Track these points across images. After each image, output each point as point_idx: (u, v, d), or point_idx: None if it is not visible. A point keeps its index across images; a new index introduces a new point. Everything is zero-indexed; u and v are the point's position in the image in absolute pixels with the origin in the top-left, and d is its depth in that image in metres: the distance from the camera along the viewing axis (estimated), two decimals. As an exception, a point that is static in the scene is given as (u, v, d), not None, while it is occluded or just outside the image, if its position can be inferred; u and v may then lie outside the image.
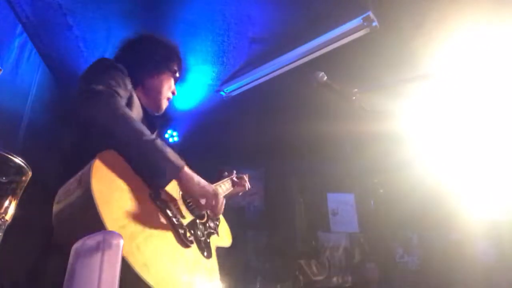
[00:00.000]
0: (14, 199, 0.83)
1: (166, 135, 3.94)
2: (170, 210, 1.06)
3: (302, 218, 4.45)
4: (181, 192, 1.20)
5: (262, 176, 4.69)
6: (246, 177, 1.95)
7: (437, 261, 3.89)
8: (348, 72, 2.64)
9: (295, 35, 2.59)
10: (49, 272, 1.01)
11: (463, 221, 3.70)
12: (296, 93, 3.28)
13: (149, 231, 0.91)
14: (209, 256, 1.14)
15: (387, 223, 4.19)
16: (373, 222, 4.34)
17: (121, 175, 0.96)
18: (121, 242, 0.68)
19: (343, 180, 4.52)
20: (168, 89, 1.53)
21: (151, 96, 1.47)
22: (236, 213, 4.28)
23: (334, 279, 4.07)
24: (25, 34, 2.52)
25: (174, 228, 1.02)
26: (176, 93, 1.58)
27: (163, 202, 1.06)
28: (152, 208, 1.00)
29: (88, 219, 0.80)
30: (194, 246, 1.07)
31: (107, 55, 1.50)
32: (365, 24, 2.37)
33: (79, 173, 0.90)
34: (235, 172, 1.91)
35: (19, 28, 2.44)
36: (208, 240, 1.21)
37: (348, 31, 2.45)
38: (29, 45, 2.61)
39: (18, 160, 0.83)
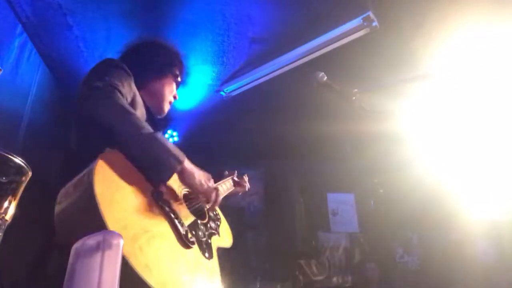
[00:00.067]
0: (14, 199, 0.83)
1: (166, 135, 3.94)
2: (172, 211, 1.06)
3: (302, 218, 4.45)
4: (183, 192, 1.21)
5: (262, 176, 4.69)
6: (245, 178, 1.96)
7: (437, 261, 3.90)
8: (348, 72, 2.64)
9: (295, 35, 2.59)
10: (50, 272, 1.01)
11: (463, 221, 3.70)
12: (296, 93, 3.28)
13: (151, 232, 0.91)
14: (210, 256, 1.13)
15: (387, 223, 4.19)
16: (373, 222, 4.34)
17: (124, 175, 0.96)
18: (121, 242, 0.68)
19: (343, 180, 4.53)
20: (170, 93, 1.56)
21: (154, 99, 1.50)
22: (236, 213, 4.28)
23: (334, 279, 4.07)
24: (25, 34, 2.52)
25: (176, 228, 1.02)
26: (177, 97, 1.62)
27: (165, 202, 1.05)
28: (155, 209, 1.00)
29: (90, 219, 0.80)
30: (195, 247, 1.07)
31: (107, 55, 1.51)
32: (365, 24, 2.37)
33: (81, 174, 0.90)
34: (236, 172, 1.93)
35: (19, 28, 2.44)
36: (209, 241, 1.21)
37: (348, 31, 2.45)
38: (29, 45, 2.60)
39: (18, 160, 0.83)
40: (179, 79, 1.60)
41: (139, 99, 1.34)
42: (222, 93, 3.37)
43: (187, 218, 1.15)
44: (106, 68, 1.27)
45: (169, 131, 3.97)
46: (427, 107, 3.13)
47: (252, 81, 3.13)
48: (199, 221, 1.22)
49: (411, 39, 2.55)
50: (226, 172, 1.87)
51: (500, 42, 2.51)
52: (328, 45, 2.59)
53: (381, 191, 4.39)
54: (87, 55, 2.83)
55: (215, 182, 1.34)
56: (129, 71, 1.31)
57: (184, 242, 1.02)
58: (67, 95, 3.04)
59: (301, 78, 2.22)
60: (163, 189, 1.09)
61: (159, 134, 1.07)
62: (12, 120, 2.44)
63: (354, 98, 1.42)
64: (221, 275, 1.15)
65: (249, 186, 1.97)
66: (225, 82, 3.23)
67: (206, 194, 1.24)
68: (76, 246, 0.66)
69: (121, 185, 0.94)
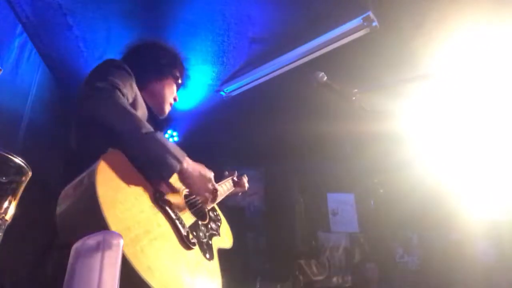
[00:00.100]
0: (14, 199, 0.83)
1: (166, 135, 3.95)
2: (173, 211, 1.06)
3: (302, 218, 4.45)
4: (184, 192, 1.21)
5: (262, 176, 4.69)
6: (245, 178, 1.97)
7: (437, 261, 3.89)
8: (348, 72, 2.64)
9: (295, 35, 2.59)
10: (50, 272, 1.01)
11: (463, 221, 3.70)
12: (296, 93, 3.28)
13: (153, 234, 0.91)
14: (211, 258, 1.13)
15: (387, 223, 4.19)
16: (373, 222, 4.34)
17: (126, 176, 0.96)
18: (121, 242, 0.68)
19: (343, 180, 4.52)
20: (170, 94, 1.57)
21: (154, 100, 1.51)
22: (236, 213, 4.28)
23: (334, 279, 4.07)
24: (25, 34, 2.52)
25: (177, 229, 1.02)
26: (177, 99, 1.63)
27: (167, 203, 1.05)
28: (156, 210, 1.00)
29: (92, 220, 0.80)
30: (196, 248, 1.07)
31: (107, 55, 1.52)
32: (365, 24, 2.37)
33: (83, 174, 0.89)
34: (236, 172, 1.93)
35: (19, 28, 2.44)
36: (210, 242, 1.21)
37: (348, 31, 2.45)
38: (29, 45, 2.60)
39: (18, 160, 0.83)
40: (179, 81, 1.61)
41: (140, 100, 1.34)
42: (222, 93, 3.37)
43: (188, 219, 1.15)
44: (107, 68, 1.27)
45: (169, 131, 3.97)
46: (427, 107, 3.13)
47: (252, 81, 3.13)
48: (200, 222, 1.22)
49: (411, 39, 2.55)
50: (226, 173, 1.87)
51: (500, 42, 2.51)
52: (328, 45, 2.59)
53: (381, 191, 4.38)
54: (87, 55, 2.83)
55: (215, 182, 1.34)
56: (130, 71, 1.32)
57: (186, 243, 1.02)
58: (67, 95, 3.04)
59: (301, 78, 2.22)
60: (164, 189, 1.09)
61: (159, 134, 1.07)
62: (12, 120, 2.44)
63: (354, 98, 1.42)
64: (222, 276, 1.15)
65: (248, 186, 1.98)
66: (225, 82, 3.23)
67: (203, 195, 1.24)
68: (76, 246, 0.66)
69: (123, 185, 0.94)
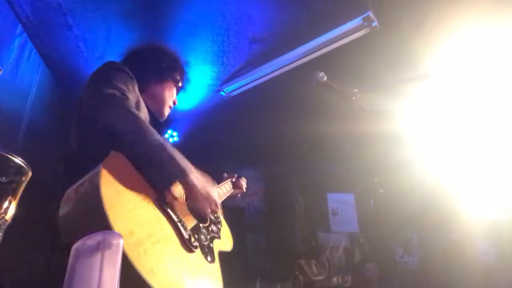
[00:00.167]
0: (14, 199, 0.83)
1: (166, 135, 3.95)
2: (175, 215, 1.06)
3: (302, 218, 4.45)
4: (185, 195, 1.21)
5: (262, 176, 4.69)
6: (243, 180, 1.98)
7: (437, 261, 3.89)
8: (348, 72, 2.63)
9: (295, 35, 2.59)
10: (50, 272, 1.01)
11: (463, 221, 3.70)
12: (296, 93, 3.27)
13: (155, 237, 0.91)
14: (212, 260, 1.14)
15: (387, 223, 4.19)
16: (373, 222, 4.34)
17: (129, 179, 0.96)
18: (121, 242, 0.68)
19: (343, 180, 4.52)
20: (170, 97, 1.57)
21: (154, 103, 1.51)
22: (236, 213, 4.27)
23: (334, 279, 4.07)
24: (25, 34, 2.52)
25: (179, 232, 1.03)
26: (177, 102, 1.63)
27: (169, 206, 1.06)
28: (159, 213, 1.01)
29: (96, 222, 0.80)
30: (198, 251, 1.07)
31: (107, 55, 1.52)
32: (365, 24, 2.37)
33: (87, 177, 0.89)
34: (236, 175, 1.94)
35: (19, 28, 2.44)
36: (211, 245, 1.21)
37: (348, 31, 2.45)
38: (29, 45, 2.60)
39: (18, 160, 0.83)
40: (179, 84, 1.62)
41: (142, 103, 1.35)
42: (222, 93, 3.37)
43: (190, 221, 1.15)
44: (110, 71, 1.27)
45: (169, 131, 3.97)
46: (427, 107, 3.13)
47: (252, 81, 3.13)
48: (201, 225, 1.22)
49: (411, 39, 2.55)
50: (225, 175, 1.88)
51: (500, 42, 2.51)
52: (328, 45, 2.59)
53: (381, 191, 4.38)
54: (87, 55, 2.83)
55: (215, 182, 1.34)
56: (132, 74, 1.32)
57: (187, 246, 1.02)
58: (67, 95, 3.04)
59: (301, 78, 2.22)
60: (166, 192, 1.09)
61: (169, 144, 1.09)
62: (12, 120, 2.44)
63: (354, 98, 1.42)
64: (223, 278, 1.15)
65: (246, 187, 1.99)
66: (225, 82, 3.23)
67: (203, 212, 1.21)
68: (76, 246, 0.66)
69: (127, 188, 0.94)
